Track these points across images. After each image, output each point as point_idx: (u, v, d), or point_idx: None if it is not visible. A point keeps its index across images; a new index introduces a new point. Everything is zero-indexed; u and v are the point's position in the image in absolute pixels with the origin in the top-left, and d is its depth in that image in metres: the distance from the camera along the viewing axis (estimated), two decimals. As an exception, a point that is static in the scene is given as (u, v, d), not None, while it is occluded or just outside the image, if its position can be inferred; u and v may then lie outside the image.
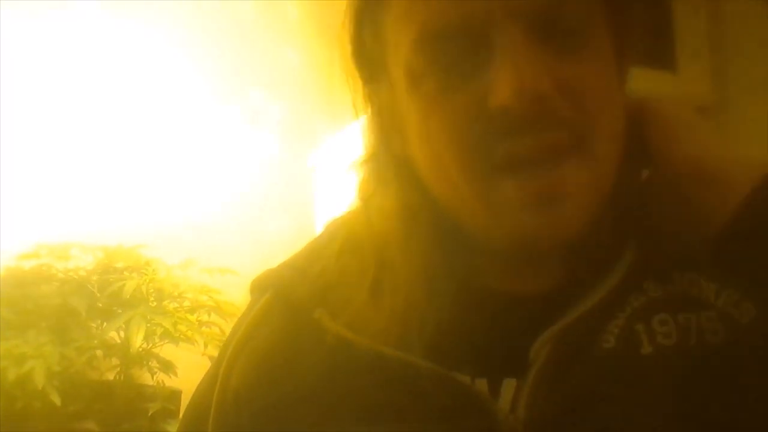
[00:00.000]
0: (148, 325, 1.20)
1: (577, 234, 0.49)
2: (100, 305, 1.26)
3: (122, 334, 1.23)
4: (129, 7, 1.56)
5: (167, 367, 1.26)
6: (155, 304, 1.26)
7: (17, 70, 1.46)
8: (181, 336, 1.23)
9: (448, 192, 0.51)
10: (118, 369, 1.26)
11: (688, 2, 1.63)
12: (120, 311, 1.23)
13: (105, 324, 1.25)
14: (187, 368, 1.29)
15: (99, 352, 1.25)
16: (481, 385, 0.49)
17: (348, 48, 0.55)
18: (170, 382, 1.28)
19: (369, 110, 0.56)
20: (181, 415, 1.26)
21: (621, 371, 0.48)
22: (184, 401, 1.28)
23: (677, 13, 1.61)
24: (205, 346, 1.25)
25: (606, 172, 0.50)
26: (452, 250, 0.53)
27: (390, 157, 0.55)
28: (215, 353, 1.24)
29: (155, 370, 1.26)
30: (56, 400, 1.12)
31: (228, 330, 1.26)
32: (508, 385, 0.49)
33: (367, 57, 0.54)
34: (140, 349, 1.22)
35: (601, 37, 0.50)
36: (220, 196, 1.60)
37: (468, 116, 0.48)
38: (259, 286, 0.59)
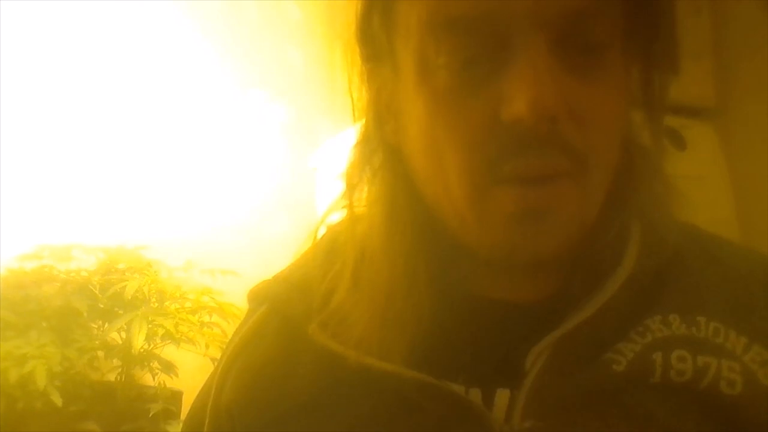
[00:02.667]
0: (150, 326, 1.20)
1: (556, 251, 0.49)
2: (102, 306, 1.26)
3: (124, 335, 1.23)
4: (129, 8, 1.57)
5: (168, 368, 1.26)
6: (157, 305, 1.26)
7: (19, 69, 1.46)
8: (183, 337, 1.23)
9: (438, 192, 0.50)
10: (120, 370, 1.26)
11: (690, 3, 1.63)
12: (121, 312, 1.23)
13: (106, 325, 1.25)
14: (188, 369, 1.29)
15: (100, 353, 1.25)
16: (475, 395, 0.49)
17: (353, 24, 0.53)
18: (171, 383, 1.28)
19: (366, 91, 0.54)
20: (182, 416, 1.27)
21: (623, 394, 0.48)
22: (186, 402, 1.28)
23: (679, 15, 1.61)
24: (207, 347, 1.25)
25: (594, 199, 0.50)
26: (435, 251, 0.52)
27: (380, 143, 0.53)
28: (217, 354, 1.25)
29: (156, 371, 1.26)
30: (57, 400, 1.12)
31: (229, 331, 1.27)
32: (502, 396, 0.49)
33: (373, 35, 0.52)
34: (142, 350, 1.22)
35: (618, 58, 0.49)
36: (221, 197, 1.61)
37: (480, 125, 0.47)
38: (256, 298, 0.59)
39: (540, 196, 0.47)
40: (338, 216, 0.56)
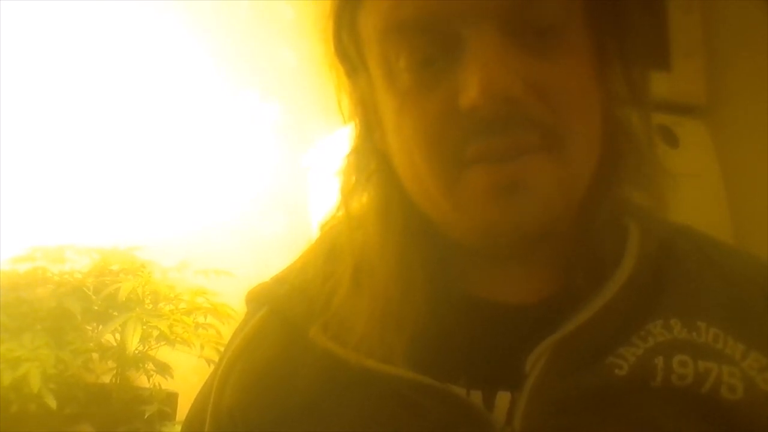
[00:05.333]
0: (144, 327, 1.20)
1: (541, 227, 0.49)
2: (96, 308, 1.25)
3: (118, 336, 1.23)
4: (121, 7, 1.56)
5: (163, 369, 1.26)
6: (151, 306, 1.26)
7: (13, 70, 1.45)
8: (178, 338, 1.23)
9: (415, 187, 0.52)
10: (114, 372, 1.26)
11: (681, 1, 1.63)
12: (116, 314, 1.23)
13: (101, 327, 1.24)
14: (183, 370, 1.29)
15: (95, 355, 1.24)
16: (476, 397, 0.49)
17: (330, 43, 0.55)
18: (166, 384, 1.28)
19: (352, 104, 0.56)
20: (177, 417, 1.27)
21: (625, 398, 0.48)
22: (181, 404, 1.28)
23: (671, 12, 1.62)
24: (202, 348, 1.24)
25: (577, 172, 0.50)
26: (430, 252, 0.52)
27: (372, 152, 0.55)
28: (212, 355, 1.25)
29: (151, 372, 1.26)
30: (51, 403, 1.12)
31: (224, 332, 1.27)
32: (503, 398, 0.49)
33: (346, 51, 0.54)
34: (136, 352, 1.21)
35: (578, 37, 0.50)
36: (214, 197, 1.60)
37: (440, 115, 0.48)
38: (254, 300, 0.59)
39: (509, 171, 0.47)
40: (336, 218, 0.56)
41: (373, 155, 0.54)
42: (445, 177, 0.49)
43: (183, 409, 1.22)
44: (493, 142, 0.47)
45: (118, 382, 1.26)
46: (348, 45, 0.54)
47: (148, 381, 1.27)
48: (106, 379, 1.27)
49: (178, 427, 1.20)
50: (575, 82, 0.49)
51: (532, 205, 0.48)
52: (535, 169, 0.47)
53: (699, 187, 1.46)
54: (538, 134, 0.47)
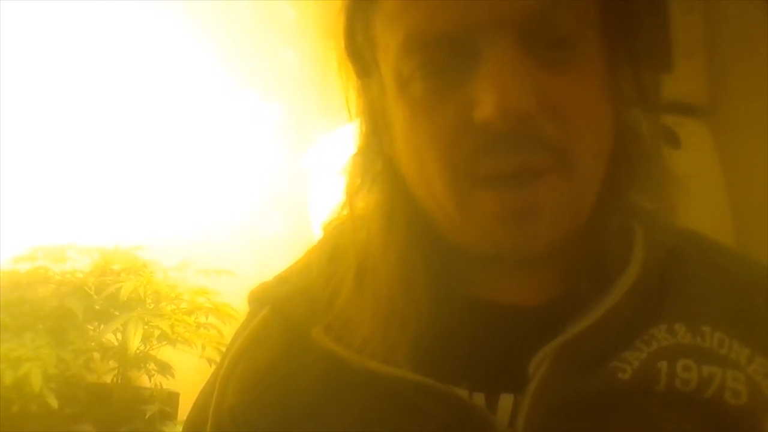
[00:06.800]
0: (146, 327, 1.20)
1: (549, 246, 0.49)
2: (97, 307, 1.26)
3: (119, 336, 1.23)
4: (123, 7, 1.56)
5: (165, 369, 1.26)
6: (152, 306, 1.26)
7: (14, 69, 1.45)
8: (179, 338, 1.23)
9: (427, 196, 0.51)
10: (116, 371, 1.26)
11: (682, 2, 1.63)
12: (117, 313, 1.23)
13: (102, 326, 1.24)
14: (184, 370, 1.29)
15: (96, 355, 1.25)
16: (479, 399, 0.49)
17: (341, 42, 0.54)
18: (168, 384, 1.28)
19: (360, 105, 0.55)
20: (178, 417, 1.27)
21: (628, 402, 0.48)
22: (182, 403, 1.28)
23: (671, 12, 1.62)
24: (203, 348, 1.25)
25: (586, 191, 0.50)
26: (433, 255, 0.52)
27: (378, 153, 0.54)
28: (213, 355, 1.25)
29: (153, 372, 1.26)
30: (53, 402, 1.12)
31: (226, 332, 1.27)
32: (506, 400, 0.49)
33: (359, 53, 0.54)
34: (137, 352, 1.22)
35: (591, 47, 0.50)
36: (215, 197, 1.60)
37: (453, 127, 0.48)
38: (256, 299, 0.59)
39: (521, 199, 0.47)
40: (339, 218, 0.56)
41: (378, 157, 0.54)
42: (457, 192, 0.48)
43: (184, 409, 1.22)
44: (505, 161, 0.47)
45: (119, 381, 1.26)
46: (363, 46, 0.53)
47: (150, 381, 1.27)
48: (108, 378, 1.27)
49: (180, 427, 1.20)
50: (587, 95, 0.49)
51: (542, 229, 0.48)
52: (547, 193, 0.47)
53: (700, 187, 1.46)
54: (549, 154, 0.47)
